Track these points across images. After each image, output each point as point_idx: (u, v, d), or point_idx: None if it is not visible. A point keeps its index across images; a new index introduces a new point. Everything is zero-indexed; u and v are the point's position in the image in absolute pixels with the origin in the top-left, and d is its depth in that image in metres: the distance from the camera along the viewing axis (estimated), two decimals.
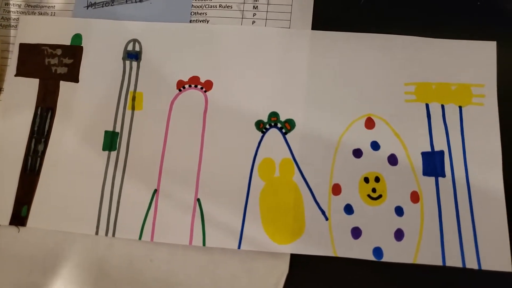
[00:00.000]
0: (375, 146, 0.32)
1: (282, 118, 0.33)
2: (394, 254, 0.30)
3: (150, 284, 0.31)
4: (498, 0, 0.34)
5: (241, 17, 0.36)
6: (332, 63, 0.34)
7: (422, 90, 0.33)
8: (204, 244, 0.31)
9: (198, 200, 0.32)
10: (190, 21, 0.36)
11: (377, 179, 0.31)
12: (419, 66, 0.33)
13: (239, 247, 0.30)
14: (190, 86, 0.34)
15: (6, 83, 0.35)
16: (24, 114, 0.34)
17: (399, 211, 0.30)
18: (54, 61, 0.35)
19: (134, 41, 0.36)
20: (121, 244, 0.31)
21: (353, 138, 0.32)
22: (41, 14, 0.37)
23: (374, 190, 0.31)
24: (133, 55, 0.35)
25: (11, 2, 0.38)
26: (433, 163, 0.31)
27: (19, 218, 0.32)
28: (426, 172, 0.31)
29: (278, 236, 0.30)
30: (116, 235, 0.31)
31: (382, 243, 0.30)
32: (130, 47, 0.35)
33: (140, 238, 0.31)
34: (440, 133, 0.32)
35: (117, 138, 0.33)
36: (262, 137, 0.33)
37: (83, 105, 0.34)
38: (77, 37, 0.36)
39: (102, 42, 0.36)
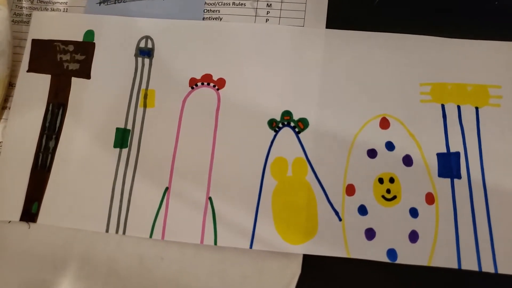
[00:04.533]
0: (390, 146, 0.31)
1: (295, 117, 0.33)
2: (409, 256, 0.29)
3: (160, 282, 0.30)
4: None
5: (254, 15, 0.35)
6: (346, 62, 0.33)
7: (437, 91, 0.32)
8: (215, 243, 0.30)
9: (210, 198, 0.31)
10: (203, 19, 0.36)
11: (391, 180, 0.31)
12: (435, 66, 0.33)
13: (250, 247, 0.30)
14: (202, 84, 0.34)
15: (18, 79, 0.35)
16: (36, 110, 0.34)
17: (413, 212, 0.30)
18: (66, 57, 0.35)
19: (147, 38, 0.35)
20: (132, 242, 0.31)
21: (368, 138, 0.32)
22: (53, 10, 0.37)
23: (388, 191, 0.30)
24: (145, 52, 0.35)
25: None
26: (448, 165, 0.31)
27: (29, 214, 0.32)
28: (441, 174, 0.31)
29: (291, 236, 0.30)
30: (126, 233, 0.31)
31: (396, 245, 0.29)
32: (142, 44, 0.35)
33: (151, 236, 0.31)
34: (456, 134, 0.31)
35: (129, 135, 0.33)
36: (275, 136, 0.32)
37: (94, 102, 0.34)
38: (90, 34, 0.36)
39: (114, 38, 0.35)
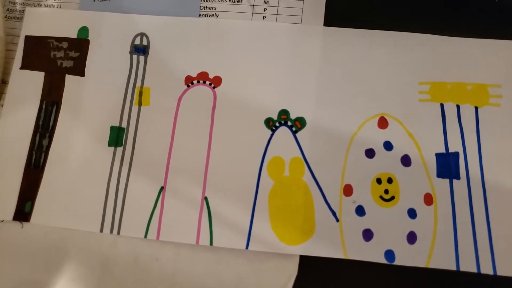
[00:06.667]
0: (388, 146, 0.31)
1: (293, 116, 0.32)
2: (407, 257, 0.29)
3: (155, 283, 0.30)
4: None
5: (251, 12, 0.35)
6: (344, 61, 0.33)
7: (437, 90, 0.32)
8: (211, 243, 0.30)
9: (206, 198, 0.31)
10: (199, 16, 0.35)
11: (389, 180, 0.30)
12: (434, 65, 0.32)
13: (247, 247, 0.30)
14: (198, 82, 0.33)
15: (11, 76, 0.34)
16: (29, 108, 0.34)
17: (412, 213, 0.30)
18: (60, 54, 0.35)
19: (142, 35, 0.35)
20: (126, 242, 0.31)
21: (366, 137, 0.31)
22: (47, 6, 0.36)
23: (386, 192, 0.30)
24: (140, 49, 0.34)
25: None
26: (447, 165, 0.30)
27: (22, 213, 0.32)
28: (440, 174, 0.30)
29: (287, 236, 0.30)
30: (121, 233, 0.31)
31: (394, 246, 0.29)
32: (137, 41, 0.35)
33: (145, 236, 0.30)
34: (455, 134, 0.31)
35: (123, 134, 0.33)
36: (272, 135, 0.32)
37: (89, 100, 0.34)
38: (84, 30, 0.35)
39: (109, 35, 0.35)
